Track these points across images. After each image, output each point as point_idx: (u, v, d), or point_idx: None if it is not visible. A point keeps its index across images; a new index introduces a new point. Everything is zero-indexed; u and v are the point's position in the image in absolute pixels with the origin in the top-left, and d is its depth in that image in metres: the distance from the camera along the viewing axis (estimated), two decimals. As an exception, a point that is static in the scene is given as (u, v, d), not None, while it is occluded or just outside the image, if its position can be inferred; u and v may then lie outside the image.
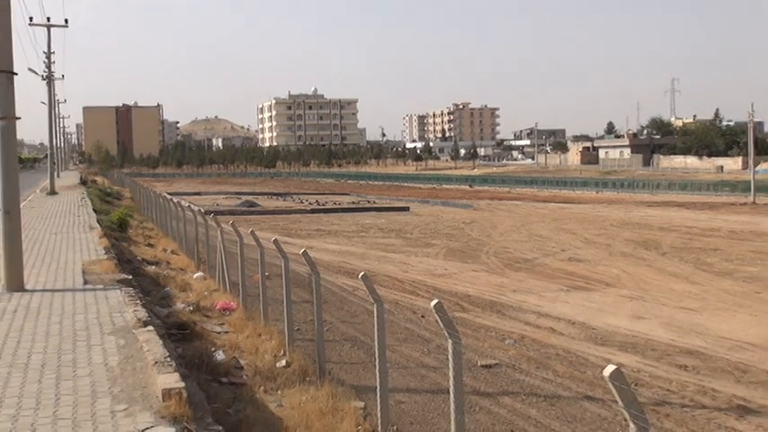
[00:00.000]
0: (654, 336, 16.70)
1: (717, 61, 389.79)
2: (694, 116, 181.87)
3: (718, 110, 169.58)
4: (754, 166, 74.45)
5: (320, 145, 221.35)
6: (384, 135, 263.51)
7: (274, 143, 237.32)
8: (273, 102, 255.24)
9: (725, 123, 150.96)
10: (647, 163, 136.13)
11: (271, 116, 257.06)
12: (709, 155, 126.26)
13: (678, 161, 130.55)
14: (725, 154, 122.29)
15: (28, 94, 65.30)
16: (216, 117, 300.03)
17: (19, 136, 18.74)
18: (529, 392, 12.45)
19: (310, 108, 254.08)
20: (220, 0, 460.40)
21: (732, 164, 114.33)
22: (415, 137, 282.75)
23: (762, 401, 12.18)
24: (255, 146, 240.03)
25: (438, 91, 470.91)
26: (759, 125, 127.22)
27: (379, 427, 9.51)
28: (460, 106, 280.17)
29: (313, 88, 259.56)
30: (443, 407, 8.45)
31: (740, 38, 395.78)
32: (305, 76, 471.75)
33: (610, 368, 5.14)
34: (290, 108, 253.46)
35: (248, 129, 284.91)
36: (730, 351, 15.36)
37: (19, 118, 17.01)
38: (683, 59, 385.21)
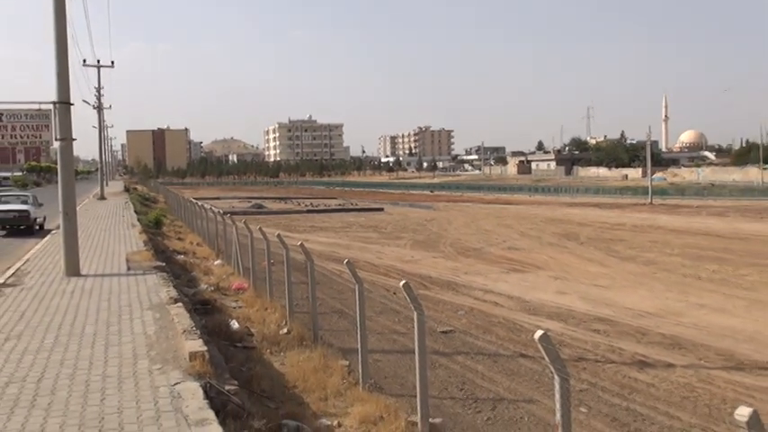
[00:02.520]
0: (574, 307, 16.81)
1: (622, 92, 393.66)
2: (605, 136, 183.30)
3: (623, 131, 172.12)
4: (651, 174, 75.07)
5: (314, 159, 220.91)
6: (364, 152, 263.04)
7: (277, 158, 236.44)
8: (277, 126, 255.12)
9: (628, 141, 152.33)
10: (568, 173, 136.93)
11: (275, 137, 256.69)
12: (617, 166, 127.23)
13: (592, 171, 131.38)
14: (628, 165, 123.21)
15: (83, 121, 64.64)
16: (231, 138, 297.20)
17: (75, 153, 18.64)
18: (477, 352, 12.53)
19: (306, 131, 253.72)
20: (235, 47, 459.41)
21: (634, 173, 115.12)
22: (388, 153, 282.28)
23: (657, 357, 12.31)
24: (262, 161, 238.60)
25: (406, 116, 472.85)
26: (654, 143, 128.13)
27: (360, 380, 9.54)
28: (423, 128, 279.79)
29: (308, 115, 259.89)
30: (410, 364, 8.49)
31: (640, 72, 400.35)
32: (302, 104, 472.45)
33: (539, 332, 5.20)
34: (289, 131, 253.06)
35: (257, 147, 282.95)
36: (633, 318, 15.50)
37: (75, 139, 16.98)
38: (596, 90, 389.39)
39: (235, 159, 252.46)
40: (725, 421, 8.88)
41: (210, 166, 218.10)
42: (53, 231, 26.19)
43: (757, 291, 18.85)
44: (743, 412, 3.36)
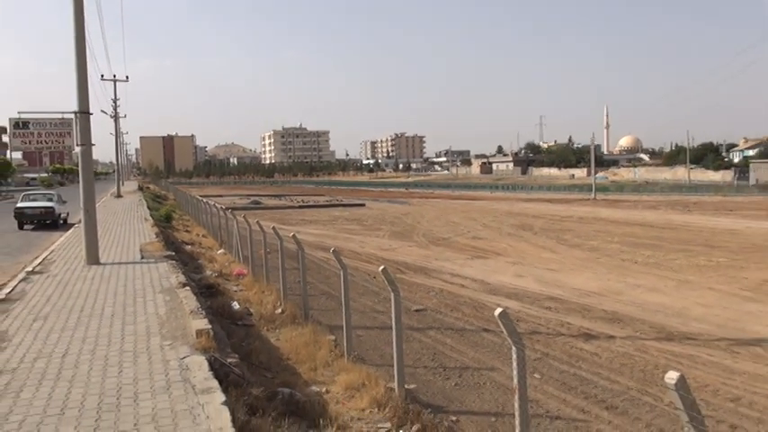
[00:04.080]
0: (529, 288, 16.87)
1: (570, 103, 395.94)
2: (555, 141, 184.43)
3: (571, 137, 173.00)
4: (595, 174, 75.68)
5: (304, 162, 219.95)
6: (348, 155, 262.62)
7: (272, 161, 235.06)
8: (272, 132, 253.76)
9: (575, 146, 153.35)
10: (524, 173, 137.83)
11: (270, 142, 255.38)
12: (565, 167, 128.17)
13: (545, 171, 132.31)
14: (575, 166, 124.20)
15: (102, 127, 63.93)
16: (232, 143, 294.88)
17: (94, 157, 18.44)
18: (446, 327, 12.55)
19: (297, 137, 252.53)
20: (235, 64, 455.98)
21: (580, 173, 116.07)
22: (369, 156, 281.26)
23: (600, 330, 12.40)
24: (259, 163, 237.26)
25: (384, 124, 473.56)
26: (598, 147, 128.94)
27: (345, 353, 9.55)
28: (399, 135, 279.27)
29: (299, 123, 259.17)
30: (388, 338, 8.50)
31: (586, 86, 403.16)
32: (294, 113, 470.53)
33: (498, 310, 5.23)
34: (283, 137, 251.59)
35: (254, 151, 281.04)
36: (579, 297, 15.58)
37: (94, 144, 16.84)
38: (548, 101, 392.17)
39: (235, 162, 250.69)
40: (657, 384, 8.98)
41: (214, 167, 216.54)
42: (75, 225, 25.93)
43: (684, 273, 19.06)
44: (672, 376, 3.41)
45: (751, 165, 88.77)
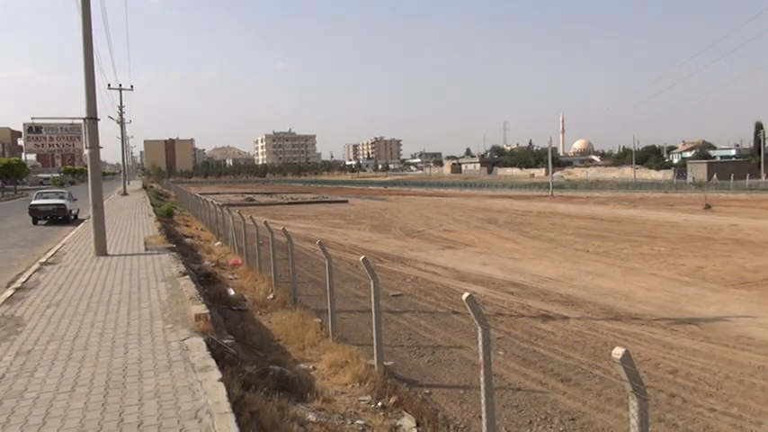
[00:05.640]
0: (493, 275, 16.95)
1: (530, 110, 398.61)
2: (517, 144, 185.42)
3: (531, 140, 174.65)
4: (552, 173, 76.27)
5: (293, 163, 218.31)
6: (332, 156, 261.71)
7: (265, 162, 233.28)
8: (264, 136, 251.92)
9: (535, 148, 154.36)
10: (490, 172, 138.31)
11: (262, 145, 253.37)
12: (526, 167, 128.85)
13: (508, 171, 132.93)
14: (535, 166, 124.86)
15: (108, 133, 62.96)
16: (228, 146, 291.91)
17: (102, 158, 18.19)
18: (420, 310, 12.58)
19: (287, 140, 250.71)
20: (231, 74, 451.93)
21: (539, 172, 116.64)
22: (351, 157, 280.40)
23: (556, 312, 12.50)
24: (253, 164, 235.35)
25: (365, 129, 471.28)
26: (554, 149, 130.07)
27: (330, 334, 9.54)
28: (378, 138, 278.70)
29: (289, 128, 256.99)
30: (369, 321, 8.50)
31: (544, 95, 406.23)
32: (284, 119, 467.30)
33: (466, 294, 5.25)
34: (274, 140, 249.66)
35: (248, 153, 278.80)
36: (538, 283, 15.70)
37: (102, 147, 16.57)
38: (511, 108, 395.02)
39: (231, 163, 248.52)
40: (606, 359, 9.09)
41: (211, 168, 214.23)
42: (85, 220, 25.56)
43: (630, 261, 19.28)
44: (618, 351, 3.45)
45: (688, 165, 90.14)
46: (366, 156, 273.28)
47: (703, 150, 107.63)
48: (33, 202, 28.62)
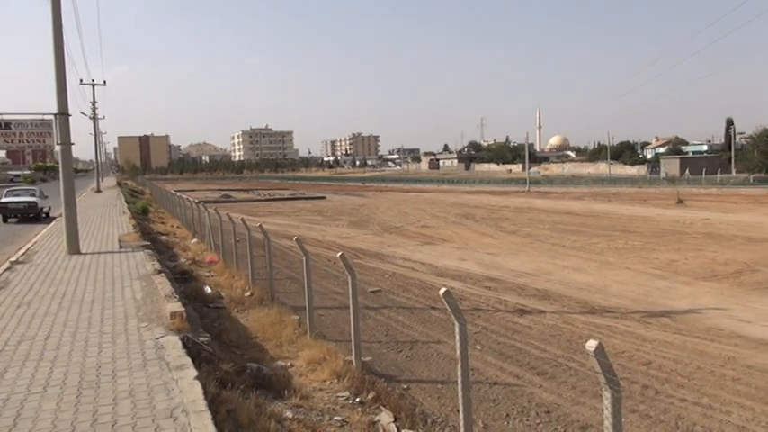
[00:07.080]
0: (471, 270, 17.02)
1: (507, 106, 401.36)
2: (494, 140, 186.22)
3: (508, 136, 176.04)
4: (528, 169, 76.92)
5: (270, 159, 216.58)
6: (310, 152, 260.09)
7: (242, 158, 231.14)
8: (241, 132, 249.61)
9: (512, 144, 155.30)
10: (467, 168, 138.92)
11: (239, 141, 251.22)
12: (503, 163, 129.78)
13: (485, 167, 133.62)
14: (512, 162, 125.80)
15: (81, 128, 61.98)
16: (204, 142, 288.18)
17: (75, 155, 17.88)
18: (398, 306, 12.58)
19: (264, 136, 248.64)
20: (206, 70, 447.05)
21: (516, 168, 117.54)
22: (329, 153, 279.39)
23: (533, 306, 12.61)
24: (229, 160, 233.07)
25: (342, 125, 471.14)
26: (531, 145, 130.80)
27: (308, 331, 9.50)
28: (356, 134, 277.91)
29: (266, 124, 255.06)
30: (347, 317, 8.49)
31: (520, 91, 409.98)
32: (260, 114, 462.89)
33: (443, 289, 5.27)
34: (251, 136, 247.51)
35: (225, 149, 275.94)
36: (515, 278, 15.81)
37: (74, 144, 16.26)
38: (488, 104, 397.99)
39: (207, 159, 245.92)
40: (581, 352, 9.19)
41: (187, 165, 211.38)
42: (57, 218, 25.09)
43: (605, 255, 19.54)
44: (592, 344, 3.50)
45: (661, 160, 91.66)
46: (344, 152, 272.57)
47: (676, 146, 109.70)
48: (3, 200, 28.03)
